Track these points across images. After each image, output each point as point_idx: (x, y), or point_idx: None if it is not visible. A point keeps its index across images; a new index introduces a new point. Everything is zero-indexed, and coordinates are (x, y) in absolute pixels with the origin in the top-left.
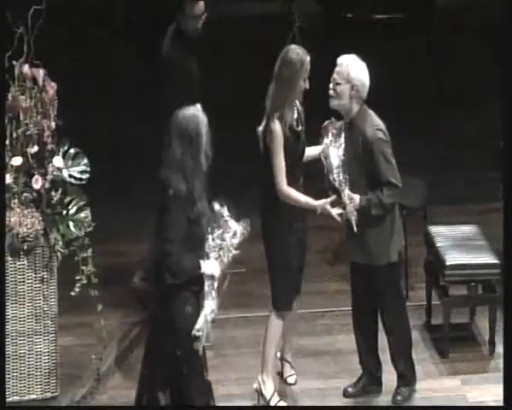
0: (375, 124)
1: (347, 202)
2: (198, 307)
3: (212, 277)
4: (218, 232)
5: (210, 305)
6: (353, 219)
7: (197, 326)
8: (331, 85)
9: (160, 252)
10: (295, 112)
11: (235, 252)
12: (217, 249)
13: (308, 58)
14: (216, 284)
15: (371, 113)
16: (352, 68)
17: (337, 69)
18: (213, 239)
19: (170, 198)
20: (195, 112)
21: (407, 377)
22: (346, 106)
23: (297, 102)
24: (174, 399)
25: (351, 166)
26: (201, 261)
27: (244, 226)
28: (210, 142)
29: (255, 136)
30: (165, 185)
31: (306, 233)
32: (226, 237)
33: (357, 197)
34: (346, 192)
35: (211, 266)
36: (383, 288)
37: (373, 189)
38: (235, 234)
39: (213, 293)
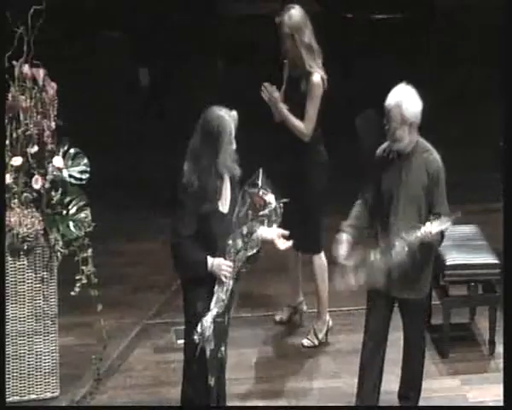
0: (433, 151)
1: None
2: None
3: (219, 278)
4: (242, 231)
5: (215, 308)
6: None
7: (198, 330)
8: (389, 132)
9: (171, 244)
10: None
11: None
12: (233, 252)
13: (284, 19)
14: (226, 287)
15: (423, 140)
16: (405, 107)
17: (389, 115)
18: (233, 240)
19: (183, 189)
20: (223, 114)
21: (410, 400)
22: (408, 144)
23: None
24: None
25: (411, 202)
26: (209, 259)
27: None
28: (231, 151)
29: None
30: (181, 175)
31: None
32: (258, 227)
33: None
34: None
35: (218, 266)
36: (413, 321)
37: (423, 221)
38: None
39: (221, 295)
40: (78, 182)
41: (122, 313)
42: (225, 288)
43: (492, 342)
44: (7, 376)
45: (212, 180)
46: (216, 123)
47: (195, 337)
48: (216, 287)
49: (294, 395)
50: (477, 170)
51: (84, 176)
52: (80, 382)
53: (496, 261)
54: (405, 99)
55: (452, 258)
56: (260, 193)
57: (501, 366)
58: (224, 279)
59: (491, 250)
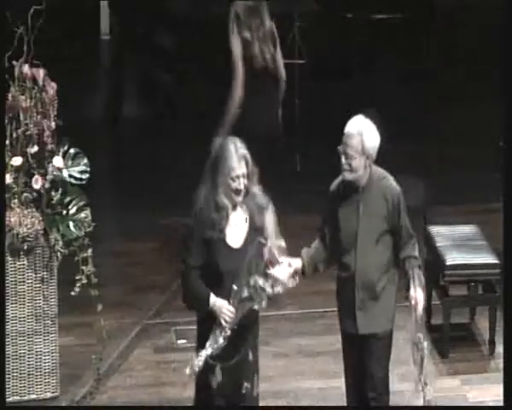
0: (390, 178)
1: (416, 301)
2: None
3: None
4: (249, 281)
5: (209, 348)
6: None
7: (190, 365)
8: (344, 160)
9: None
10: None
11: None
12: (237, 299)
13: None
14: (225, 331)
15: (377, 167)
16: (366, 138)
17: (349, 142)
18: (239, 286)
19: (193, 215)
20: (229, 147)
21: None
22: (362, 176)
23: None
24: None
25: (371, 233)
26: (212, 298)
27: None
28: (231, 187)
29: None
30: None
31: None
32: (264, 283)
33: (421, 295)
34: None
35: (220, 308)
36: (381, 355)
37: (385, 252)
38: (276, 282)
39: (218, 338)
40: (78, 182)
41: (122, 313)
42: (224, 332)
43: (492, 342)
44: (7, 376)
45: (213, 209)
46: (219, 152)
47: (187, 372)
48: (214, 328)
49: (294, 395)
50: (477, 170)
51: (84, 176)
52: (80, 382)
53: (496, 261)
54: (366, 130)
55: (452, 258)
56: (275, 253)
57: (501, 366)
58: (223, 323)
59: (491, 250)
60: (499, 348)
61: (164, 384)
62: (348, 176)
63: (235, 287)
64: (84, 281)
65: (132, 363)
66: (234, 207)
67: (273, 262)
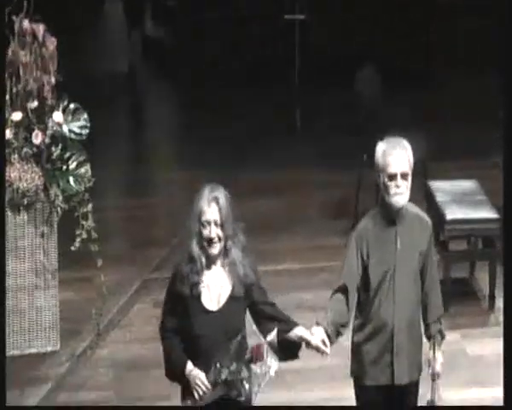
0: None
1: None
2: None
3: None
4: (234, 364)
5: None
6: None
7: None
8: (401, 182)
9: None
10: None
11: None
12: (214, 378)
13: None
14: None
15: None
16: (410, 152)
17: (394, 162)
18: (220, 367)
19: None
20: (204, 189)
21: None
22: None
23: None
24: None
25: (409, 269)
26: (189, 365)
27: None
28: (202, 236)
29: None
30: None
31: None
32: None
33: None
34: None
35: (194, 378)
36: (409, 403)
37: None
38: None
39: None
40: (78, 137)
41: (122, 269)
42: (194, 405)
43: (492, 297)
44: (7, 330)
45: (186, 261)
46: (195, 198)
47: None
48: (185, 396)
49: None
50: (477, 128)
51: (84, 131)
52: (80, 336)
53: (495, 216)
54: (408, 145)
55: (452, 213)
56: (264, 348)
57: (500, 319)
58: (195, 395)
59: (491, 205)
60: (499, 303)
61: None
62: (404, 199)
63: (218, 365)
64: (84, 236)
65: (132, 318)
66: (209, 265)
67: (258, 358)
